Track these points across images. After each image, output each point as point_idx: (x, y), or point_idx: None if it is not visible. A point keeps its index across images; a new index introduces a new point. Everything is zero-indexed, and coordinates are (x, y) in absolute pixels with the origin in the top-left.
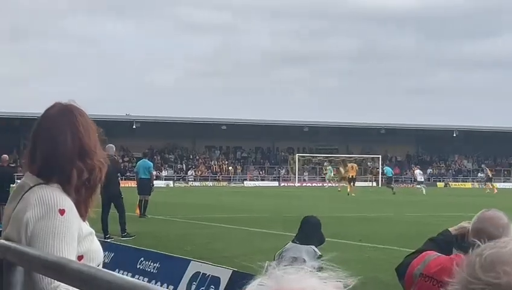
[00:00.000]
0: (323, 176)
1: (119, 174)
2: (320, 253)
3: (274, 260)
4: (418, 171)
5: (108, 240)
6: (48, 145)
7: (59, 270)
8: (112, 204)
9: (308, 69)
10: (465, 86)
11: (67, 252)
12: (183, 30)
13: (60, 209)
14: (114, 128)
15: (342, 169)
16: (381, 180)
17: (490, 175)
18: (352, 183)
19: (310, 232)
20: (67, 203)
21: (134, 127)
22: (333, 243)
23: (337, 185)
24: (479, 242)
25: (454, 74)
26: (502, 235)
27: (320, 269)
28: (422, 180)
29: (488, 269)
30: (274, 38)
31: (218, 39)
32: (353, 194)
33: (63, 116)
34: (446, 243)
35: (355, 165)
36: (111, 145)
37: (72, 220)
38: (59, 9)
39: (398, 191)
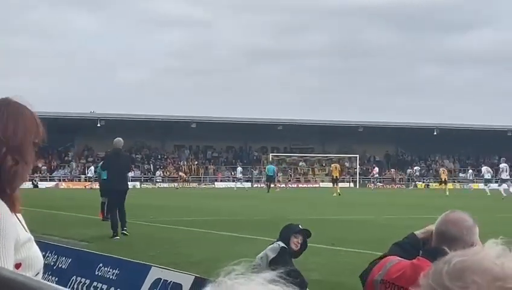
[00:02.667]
0: (298, 176)
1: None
2: (284, 245)
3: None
4: (485, 168)
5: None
6: None
7: None
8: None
9: (284, 66)
10: (446, 84)
11: (3, 259)
12: (152, 25)
13: None
14: (77, 127)
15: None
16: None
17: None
18: (336, 184)
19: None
20: (1, 208)
21: (98, 125)
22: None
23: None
24: (447, 249)
25: (435, 71)
26: (466, 238)
27: (272, 281)
28: (490, 178)
29: (456, 277)
30: (248, 34)
31: (189, 35)
32: (334, 194)
33: None
34: (412, 247)
35: (338, 165)
36: (119, 138)
37: (7, 226)
38: (22, 3)
39: (377, 193)
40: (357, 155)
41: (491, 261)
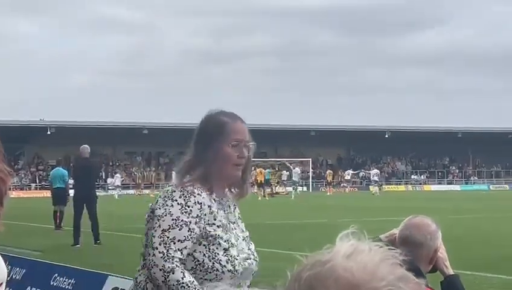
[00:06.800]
0: (252, 181)
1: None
2: None
3: None
4: (374, 172)
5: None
6: None
7: None
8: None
9: (231, 68)
10: (396, 85)
11: None
12: (99, 29)
13: None
14: (27, 135)
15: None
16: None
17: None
18: (261, 188)
19: None
20: None
21: (48, 132)
22: (261, 252)
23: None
24: (409, 255)
25: (385, 72)
26: (430, 243)
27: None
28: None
29: None
30: (194, 36)
31: (135, 39)
32: (259, 198)
33: None
34: None
35: (263, 169)
36: (86, 145)
37: None
38: None
39: (331, 196)
40: (310, 159)
41: (341, 267)
